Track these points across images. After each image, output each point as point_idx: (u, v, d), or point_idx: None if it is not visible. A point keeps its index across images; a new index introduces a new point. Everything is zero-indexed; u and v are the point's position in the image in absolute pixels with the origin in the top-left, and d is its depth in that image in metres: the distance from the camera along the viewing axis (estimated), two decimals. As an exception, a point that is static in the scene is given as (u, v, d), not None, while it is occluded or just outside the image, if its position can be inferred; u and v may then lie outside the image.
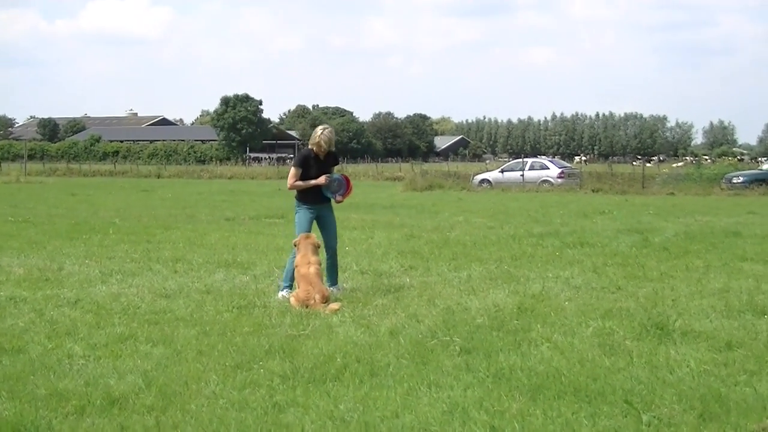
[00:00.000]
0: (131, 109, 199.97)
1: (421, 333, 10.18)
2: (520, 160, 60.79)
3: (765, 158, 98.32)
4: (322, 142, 13.19)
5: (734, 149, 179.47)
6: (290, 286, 13.05)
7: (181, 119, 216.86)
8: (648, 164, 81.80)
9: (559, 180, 53.93)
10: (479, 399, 7.53)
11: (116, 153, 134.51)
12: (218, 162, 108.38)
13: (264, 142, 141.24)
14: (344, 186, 13.64)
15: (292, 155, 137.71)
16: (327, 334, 10.23)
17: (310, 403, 7.49)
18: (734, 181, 49.27)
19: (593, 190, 50.10)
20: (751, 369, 8.51)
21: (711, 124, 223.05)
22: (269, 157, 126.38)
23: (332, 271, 13.61)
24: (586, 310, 11.63)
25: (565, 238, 21.00)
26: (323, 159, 13.40)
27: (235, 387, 8.02)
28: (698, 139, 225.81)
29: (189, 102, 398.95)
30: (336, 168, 13.87)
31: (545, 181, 53.97)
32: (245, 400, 7.60)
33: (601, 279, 14.60)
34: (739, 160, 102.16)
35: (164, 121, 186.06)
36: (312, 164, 13.39)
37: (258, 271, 15.58)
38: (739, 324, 10.69)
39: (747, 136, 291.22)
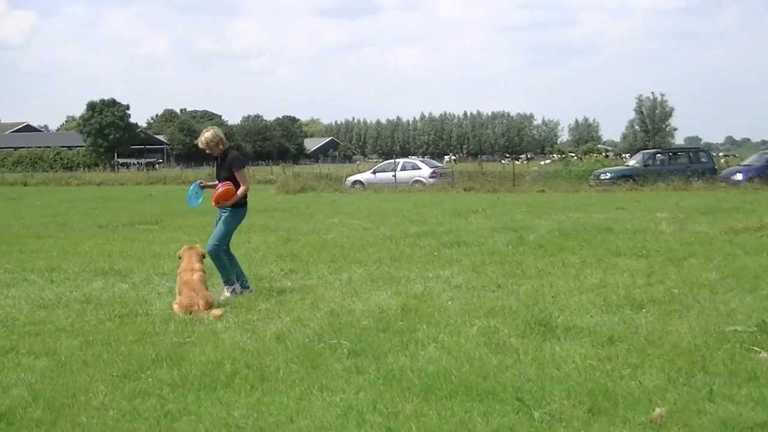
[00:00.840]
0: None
1: (308, 337, 10.18)
2: (392, 160, 60.76)
3: (629, 154, 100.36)
4: (199, 144, 13.23)
5: (599, 146, 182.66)
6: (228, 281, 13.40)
7: (45, 125, 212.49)
8: (516, 162, 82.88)
9: (431, 180, 54.20)
10: (372, 401, 7.56)
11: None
12: (86, 168, 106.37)
13: (132, 147, 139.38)
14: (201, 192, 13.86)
15: (161, 160, 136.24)
16: (213, 341, 10.16)
17: (203, 411, 7.46)
18: (602, 178, 50.19)
19: (465, 189, 50.46)
20: (635, 362, 8.70)
21: (576, 121, 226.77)
22: (138, 163, 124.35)
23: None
24: (469, 309, 11.75)
25: (441, 237, 21.17)
26: (221, 161, 13.41)
27: (124, 397, 7.93)
28: (564, 136, 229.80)
29: (54, 108, 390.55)
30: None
31: (417, 181, 54.19)
32: (136, 410, 7.51)
33: (480, 278, 14.75)
34: (605, 156, 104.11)
35: (28, 128, 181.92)
36: (216, 166, 13.58)
37: (137, 279, 15.40)
38: (618, 318, 10.92)
39: (611, 133, 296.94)
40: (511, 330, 10.29)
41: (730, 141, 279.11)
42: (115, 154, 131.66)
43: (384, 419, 7.10)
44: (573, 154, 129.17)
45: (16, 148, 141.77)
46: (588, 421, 7.00)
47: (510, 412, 7.21)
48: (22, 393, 8.05)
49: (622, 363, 8.70)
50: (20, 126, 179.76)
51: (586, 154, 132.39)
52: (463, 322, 10.78)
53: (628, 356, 8.96)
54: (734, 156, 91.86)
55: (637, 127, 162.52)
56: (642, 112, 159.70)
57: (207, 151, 13.37)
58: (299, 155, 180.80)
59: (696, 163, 50.62)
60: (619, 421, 6.99)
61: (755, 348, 9.14)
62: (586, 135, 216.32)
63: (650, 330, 10.17)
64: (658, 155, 53.46)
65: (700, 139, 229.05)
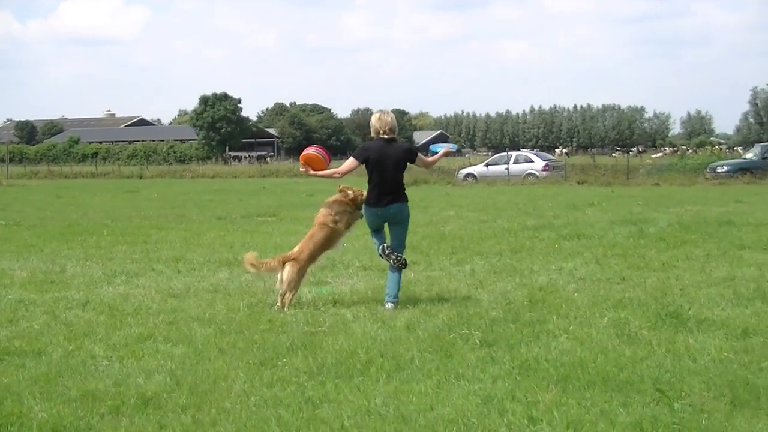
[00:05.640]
0: (109, 110, 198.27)
1: (438, 327, 10.26)
2: (505, 153, 60.74)
3: (742, 147, 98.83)
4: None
5: (712, 139, 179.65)
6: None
7: (158, 119, 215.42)
8: (628, 155, 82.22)
9: (544, 173, 54.08)
10: (510, 390, 7.61)
11: (96, 154, 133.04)
12: (199, 161, 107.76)
13: (243, 140, 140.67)
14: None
15: (272, 153, 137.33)
16: (344, 331, 10.28)
17: (342, 398, 7.56)
18: (718, 171, 49.45)
19: (578, 182, 50.26)
20: (772, 356, 8.61)
21: (688, 114, 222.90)
22: (249, 156, 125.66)
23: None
24: (596, 300, 11.74)
25: (560, 230, 21.09)
26: None
27: (263, 384, 8.07)
28: (676, 129, 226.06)
29: (166, 102, 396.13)
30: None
31: (530, 174, 54.09)
32: (277, 397, 7.65)
33: (604, 270, 14.70)
34: (719, 149, 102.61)
35: (142, 122, 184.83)
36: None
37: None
38: (751, 312, 10.82)
39: (723, 125, 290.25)
40: (641, 322, 10.26)
41: None
42: (227, 147, 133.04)
43: (524, 408, 7.12)
44: (686, 147, 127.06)
45: (130, 142, 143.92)
46: (730, 413, 6.95)
47: (650, 403, 7.19)
48: (165, 379, 8.26)
49: (760, 356, 8.61)
50: (134, 120, 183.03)
51: (699, 147, 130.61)
52: (593, 314, 10.78)
53: (765, 349, 8.87)
54: None
55: (751, 120, 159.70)
56: (756, 104, 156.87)
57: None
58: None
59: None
60: (763, 414, 6.92)
61: None
62: (698, 128, 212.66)
63: (786, 323, 10.05)
64: (778, 148, 52.43)
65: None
